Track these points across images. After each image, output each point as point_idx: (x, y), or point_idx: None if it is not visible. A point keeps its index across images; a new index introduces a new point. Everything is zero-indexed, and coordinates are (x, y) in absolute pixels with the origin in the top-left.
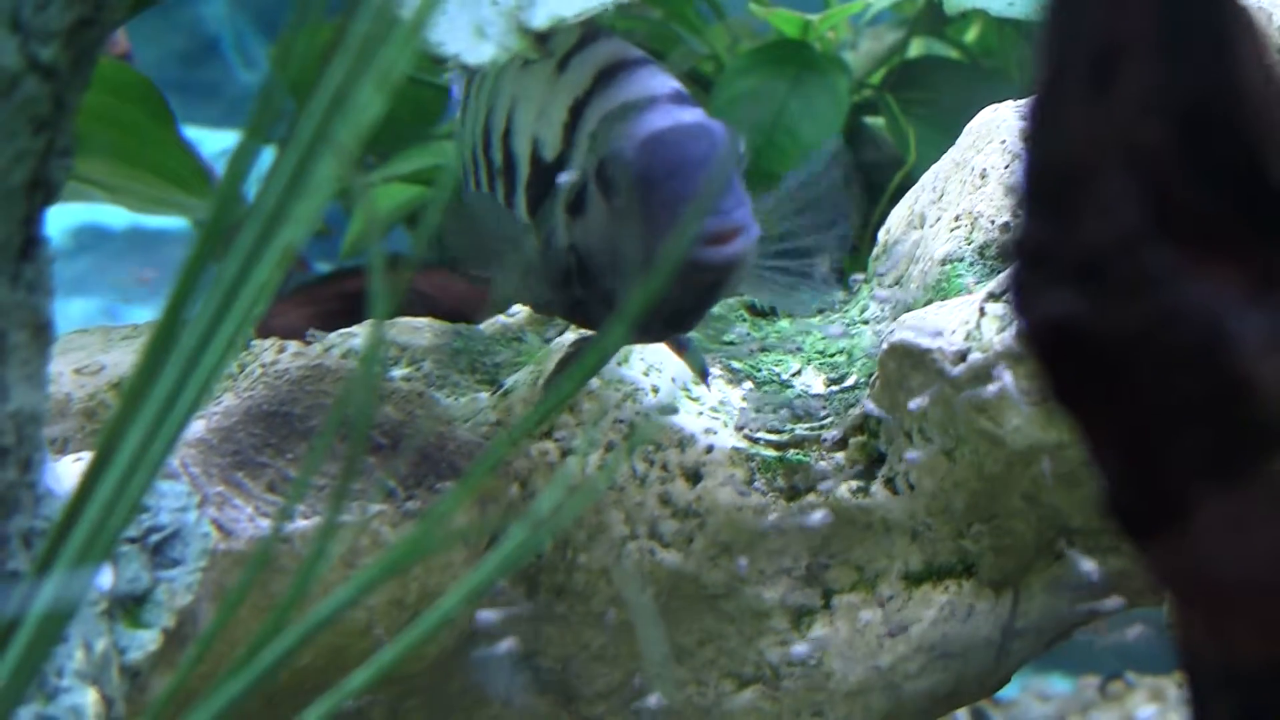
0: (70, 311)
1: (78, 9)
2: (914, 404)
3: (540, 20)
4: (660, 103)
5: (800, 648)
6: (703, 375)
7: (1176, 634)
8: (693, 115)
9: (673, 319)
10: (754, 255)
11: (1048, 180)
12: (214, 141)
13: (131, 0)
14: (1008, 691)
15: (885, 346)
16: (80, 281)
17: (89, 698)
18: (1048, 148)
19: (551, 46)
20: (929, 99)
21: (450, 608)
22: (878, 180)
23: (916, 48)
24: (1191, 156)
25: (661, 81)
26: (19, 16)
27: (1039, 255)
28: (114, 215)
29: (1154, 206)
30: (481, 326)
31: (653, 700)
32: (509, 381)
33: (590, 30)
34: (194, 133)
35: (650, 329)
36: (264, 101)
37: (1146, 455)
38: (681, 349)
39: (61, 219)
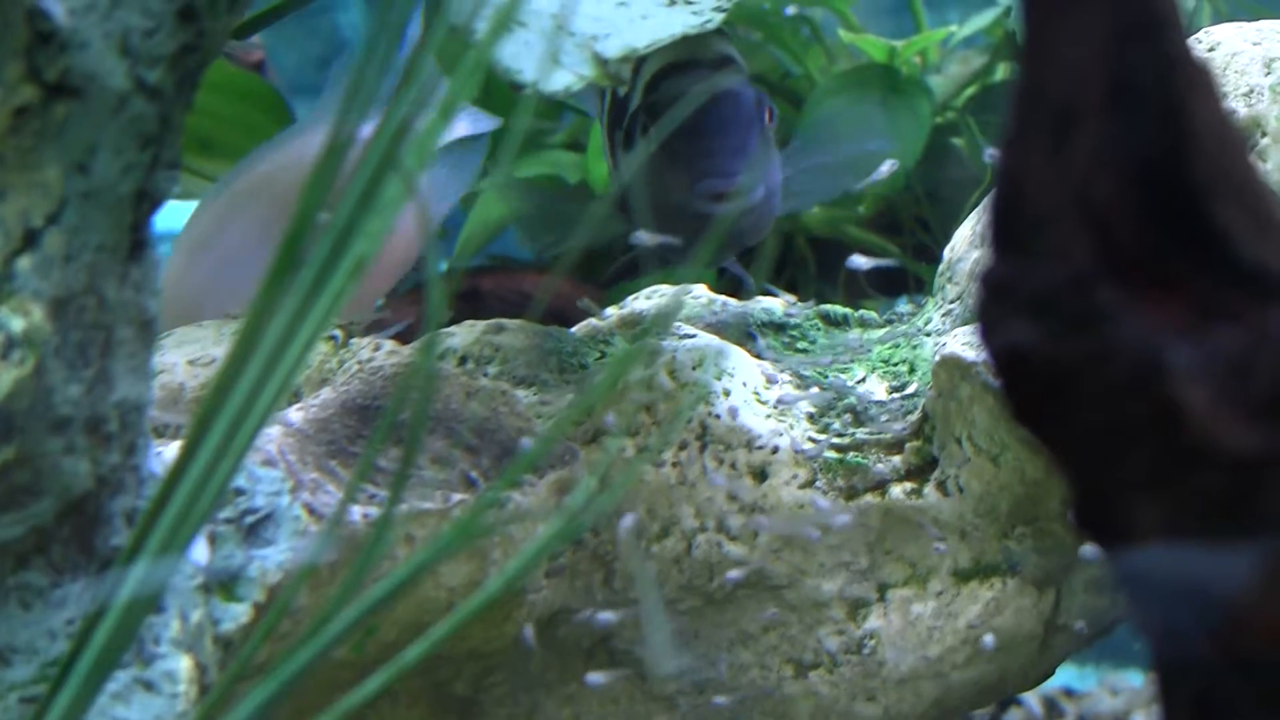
0: None
1: (181, 36)
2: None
3: (614, 51)
4: (702, 67)
5: (856, 637)
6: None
7: (1139, 632)
8: (728, 81)
9: (693, 257)
10: (763, 213)
11: (1011, 223)
12: None
13: (237, 25)
14: (1084, 684)
15: (938, 358)
16: None
17: (183, 664)
18: (1012, 194)
19: None
20: None
21: (510, 574)
22: (960, 199)
23: (1002, 72)
24: (1139, 205)
25: (710, 46)
26: (128, 42)
27: (1001, 289)
28: None
29: (1103, 249)
30: (573, 330)
31: (723, 682)
32: (592, 382)
33: None
34: None
35: (670, 261)
36: (340, 117)
37: (1096, 470)
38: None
39: None
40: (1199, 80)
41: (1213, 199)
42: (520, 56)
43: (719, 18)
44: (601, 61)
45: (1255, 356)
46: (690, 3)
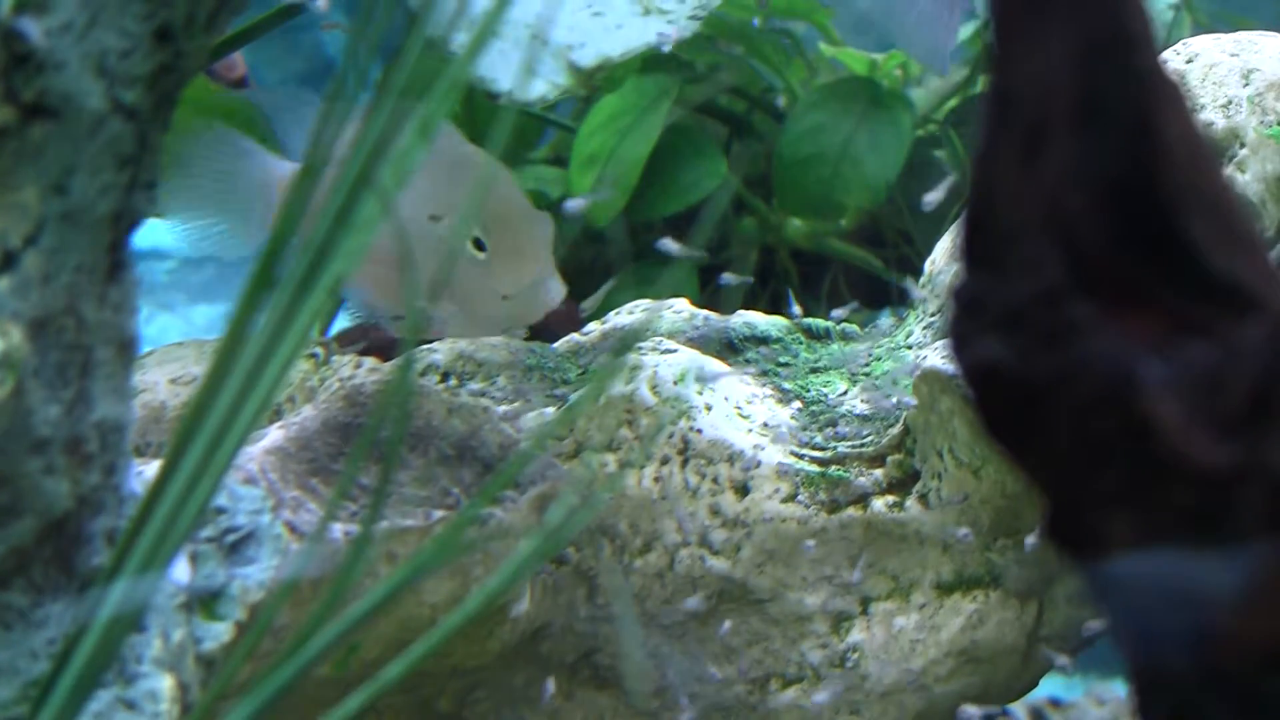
0: (195, 317)
1: (159, 56)
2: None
3: (588, 60)
4: None
5: (839, 650)
6: None
7: (1116, 646)
8: None
9: None
10: None
11: (982, 237)
12: None
13: (217, 43)
14: (1070, 694)
15: (918, 372)
16: (205, 289)
17: (165, 683)
18: (983, 209)
19: None
20: None
21: (492, 590)
22: (941, 212)
23: (982, 84)
24: (1109, 219)
25: None
26: (104, 63)
27: (972, 305)
28: None
29: (1074, 265)
30: (555, 345)
31: (705, 693)
32: (573, 397)
33: None
34: None
35: None
36: (316, 140)
37: (1067, 486)
38: None
39: None
40: (1170, 95)
41: (1183, 214)
42: (495, 66)
43: (694, 25)
44: (576, 70)
45: (1226, 371)
46: (665, 11)
